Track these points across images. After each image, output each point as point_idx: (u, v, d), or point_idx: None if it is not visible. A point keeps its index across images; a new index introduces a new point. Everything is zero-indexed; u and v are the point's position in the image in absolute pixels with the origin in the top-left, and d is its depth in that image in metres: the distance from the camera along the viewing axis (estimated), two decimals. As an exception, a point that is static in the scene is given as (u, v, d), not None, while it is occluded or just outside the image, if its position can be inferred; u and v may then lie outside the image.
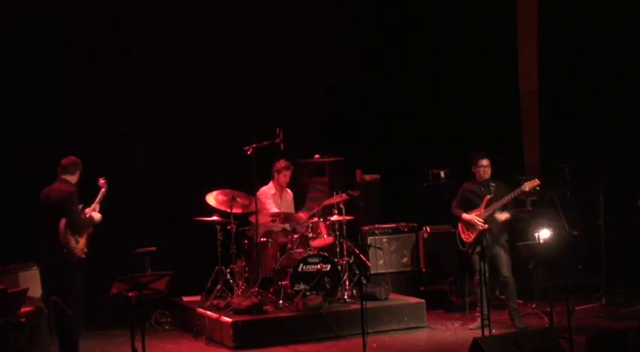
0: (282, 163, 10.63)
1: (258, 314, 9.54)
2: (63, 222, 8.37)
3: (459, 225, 9.69)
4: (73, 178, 8.62)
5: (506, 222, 9.49)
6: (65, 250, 8.35)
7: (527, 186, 9.33)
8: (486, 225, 9.43)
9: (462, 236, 9.61)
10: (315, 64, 12.09)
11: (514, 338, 7.62)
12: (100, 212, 8.73)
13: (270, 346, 9.27)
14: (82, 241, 8.52)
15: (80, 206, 8.60)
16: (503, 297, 10.21)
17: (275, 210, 10.48)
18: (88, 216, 8.59)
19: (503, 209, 9.43)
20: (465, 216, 9.61)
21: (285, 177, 10.68)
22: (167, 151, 11.35)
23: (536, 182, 9.33)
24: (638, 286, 11.01)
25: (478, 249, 8.98)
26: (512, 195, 9.41)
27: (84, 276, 9.26)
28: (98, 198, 8.81)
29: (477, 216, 9.51)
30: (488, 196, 9.49)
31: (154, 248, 9.64)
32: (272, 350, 9.21)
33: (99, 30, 11.11)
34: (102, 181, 8.92)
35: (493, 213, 9.48)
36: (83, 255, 8.53)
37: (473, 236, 9.48)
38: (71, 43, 10.95)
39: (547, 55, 12.59)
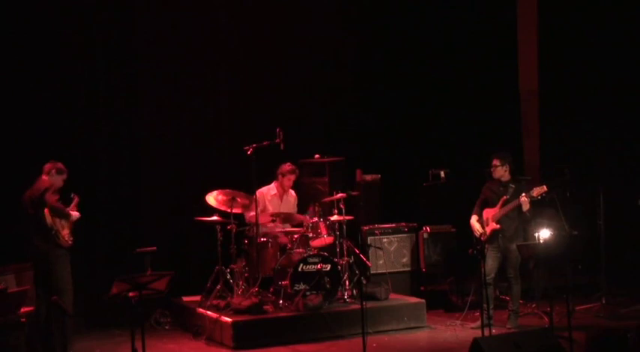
0: (287, 167, 10.59)
1: (258, 314, 9.54)
2: (46, 210, 8.74)
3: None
4: (51, 179, 8.88)
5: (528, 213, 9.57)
6: (53, 232, 8.70)
7: (535, 192, 9.43)
8: (480, 232, 9.61)
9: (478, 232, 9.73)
10: (315, 64, 12.09)
11: (514, 338, 7.63)
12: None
13: (270, 346, 9.27)
14: (67, 229, 8.83)
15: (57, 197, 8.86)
16: (505, 298, 10.23)
17: (253, 213, 10.42)
18: (68, 211, 8.89)
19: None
20: (472, 220, 9.77)
21: (289, 181, 10.65)
22: (167, 151, 11.35)
23: (544, 188, 9.43)
24: (638, 286, 11.01)
25: (478, 248, 8.99)
26: (517, 203, 9.50)
27: (85, 276, 9.32)
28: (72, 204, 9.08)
29: (493, 215, 9.62)
30: (505, 197, 9.60)
31: (154, 248, 9.65)
32: (272, 350, 9.21)
33: (99, 29, 11.10)
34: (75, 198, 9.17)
35: (506, 214, 9.58)
36: (70, 242, 8.83)
37: (478, 234, 9.60)
38: (71, 42, 10.94)
39: (547, 56, 12.59)
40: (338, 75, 12.33)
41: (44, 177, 8.88)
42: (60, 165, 8.96)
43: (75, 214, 9.00)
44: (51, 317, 8.70)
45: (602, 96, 12.06)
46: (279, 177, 10.65)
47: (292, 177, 10.66)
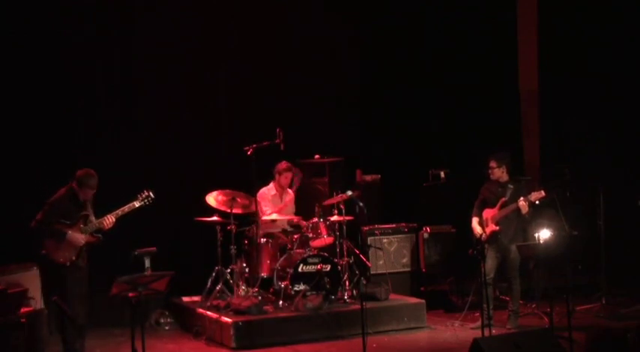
0: (282, 165, 10.64)
1: (258, 314, 9.54)
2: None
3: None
4: (77, 189, 8.57)
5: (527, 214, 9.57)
6: (44, 251, 8.43)
7: (533, 197, 9.46)
8: (480, 233, 9.62)
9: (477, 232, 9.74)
10: (315, 64, 12.10)
11: (514, 338, 7.63)
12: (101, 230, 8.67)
13: (270, 346, 9.27)
14: (67, 249, 8.45)
15: (83, 213, 8.57)
16: (505, 298, 10.23)
17: (269, 211, 10.49)
18: (64, 231, 8.43)
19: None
20: (473, 223, 9.79)
21: (285, 178, 10.68)
22: (167, 151, 11.34)
23: (542, 194, 9.46)
24: (638, 286, 11.01)
25: (478, 248, 9.00)
26: (515, 206, 9.51)
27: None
28: (116, 211, 8.67)
29: (492, 216, 9.64)
30: (503, 199, 9.61)
31: (154, 248, 9.65)
32: (272, 350, 9.21)
33: (99, 29, 11.10)
34: (144, 193, 8.83)
35: (505, 216, 9.59)
36: (67, 263, 8.43)
37: (479, 236, 9.62)
38: (70, 42, 10.94)
39: (547, 56, 12.60)
40: (338, 75, 12.33)
41: (72, 183, 8.58)
42: (80, 174, 8.53)
43: (72, 237, 8.47)
44: (51, 318, 8.68)
45: (602, 96, 12.06)
46: (276, 176, 10.69)
47: (289, 175, 10.69)
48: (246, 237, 10.50)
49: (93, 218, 8.62)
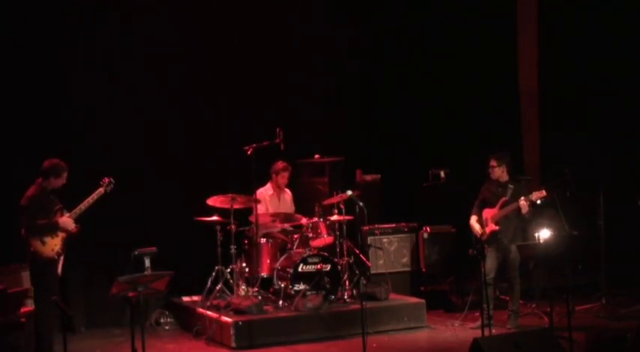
0: (279, 164, 10.65)
1: (258, 314, 9.55)
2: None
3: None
4: (47, 182, 8.62)
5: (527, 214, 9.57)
6: (32, 249, 8.44)
7: (534, 197, 9.47)
8: (479, 232, 9.64)
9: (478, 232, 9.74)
10: (315, 64, 12.10)
11: (514, 338, 7.65)
12: (80, 216, 8.69)
13: (270, 346, 9.28)
14: (53, 242, 8.50)
15: (58, 207, 8.62)
16: (505, 298, 10.23)
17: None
18: (54, 220, 8.50)
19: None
20: (471, 220, 9.79)
21: (283, 178, 10.69)
22: (167, 151, 11.34)
23: (543, 193, 9.47)
24: (638, 286, 11.02)
25: (478, 248, 9.01)
26: (516, 206, 9.51)
27: (83, 275, 9.26)
28: (87, 200, 8.74)
29: (492, 215, 9.64)
30: (504, 198, 9.62)
31: (154, 248, 9.65)
32: (272, 350, 9.22)
33: (98, 25, 11.09)
34: (105, 180, 8.92)
35: (505, 215, 9.59)
36: (55, 256, 8.50)
37: (479, 235, 9.62)
38: (71, 42, 10.94)
39: (547, 56, 12.59)
40: (338, 75, 12.33)
41: (38, 179, 8.65)
42: (49, 165, 8.63)
43: (64, 222, 8.53)
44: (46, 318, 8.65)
45: (602, 96, 12.06)
46: (273, 175, 10.71)
47: (286, 174, 10.70)
48: (246, 237, 10.51)
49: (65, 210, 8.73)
